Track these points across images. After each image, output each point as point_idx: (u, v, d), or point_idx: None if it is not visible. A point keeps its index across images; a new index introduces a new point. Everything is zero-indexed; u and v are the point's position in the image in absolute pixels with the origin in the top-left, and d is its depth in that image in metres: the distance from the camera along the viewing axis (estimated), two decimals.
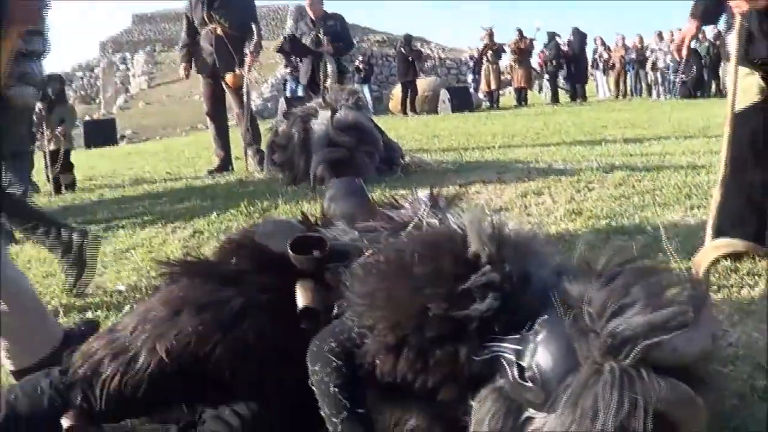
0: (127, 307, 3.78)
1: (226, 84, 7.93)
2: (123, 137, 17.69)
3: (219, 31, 7.86)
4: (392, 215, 2.35)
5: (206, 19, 7.94)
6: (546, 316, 1.89)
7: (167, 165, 8.79)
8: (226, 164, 8.26)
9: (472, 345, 1.91)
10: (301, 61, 9.93)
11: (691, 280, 1.97)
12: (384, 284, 2.03)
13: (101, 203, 6.88)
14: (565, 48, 22.93)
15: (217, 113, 8.31)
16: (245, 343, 2.23)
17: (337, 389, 2.05)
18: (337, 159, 6.40)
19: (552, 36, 23.25)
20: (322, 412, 2.10)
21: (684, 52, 3.75)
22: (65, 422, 2.34)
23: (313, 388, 2.10)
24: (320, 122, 6.57)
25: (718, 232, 3.38)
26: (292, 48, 9.81)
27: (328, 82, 8.87)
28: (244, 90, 7.92)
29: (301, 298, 2.26)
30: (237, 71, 7.83)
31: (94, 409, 2.35)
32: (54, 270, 4.67)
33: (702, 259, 2.45)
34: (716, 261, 1.80)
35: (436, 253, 2.01)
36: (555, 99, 22.41)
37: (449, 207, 2.35)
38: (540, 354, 1.84)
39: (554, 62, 22.69)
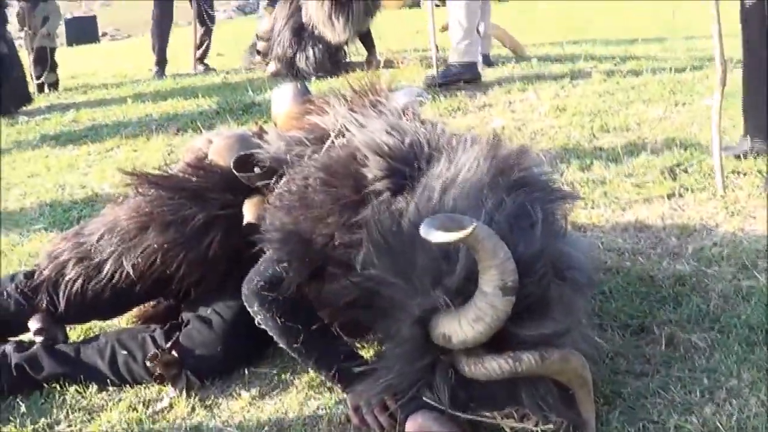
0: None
1: None
2: (105, 34, 17.18)
3: None
4: (318, 122, 2.30)
5: None
6: None
7: (149, 63, 8.39)
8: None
9: None
10: None
11: None
12: (290, 218, 2.02)
13: (85, 103, 6.76)
14: None
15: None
16: (206, 258, 2.28)
17: (283, 319, 2.03)
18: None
19: None
20: (281, 345, 2.09)
21: None
22: (33, 324, 2.33)
23: (262, 327, 2.08)
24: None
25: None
26: None
27: None
28: None
29: (247, 214, 2.28)
30: None
31: (59, 311, 2.35)
32: (38, 170, 4.69)
33: None
34: None
35: (335, 179, 1.99)
36: None
37: (372, 110, 2.25)
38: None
39: None
